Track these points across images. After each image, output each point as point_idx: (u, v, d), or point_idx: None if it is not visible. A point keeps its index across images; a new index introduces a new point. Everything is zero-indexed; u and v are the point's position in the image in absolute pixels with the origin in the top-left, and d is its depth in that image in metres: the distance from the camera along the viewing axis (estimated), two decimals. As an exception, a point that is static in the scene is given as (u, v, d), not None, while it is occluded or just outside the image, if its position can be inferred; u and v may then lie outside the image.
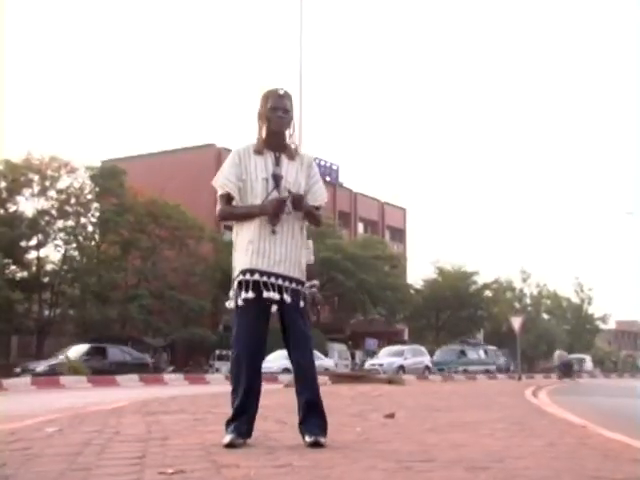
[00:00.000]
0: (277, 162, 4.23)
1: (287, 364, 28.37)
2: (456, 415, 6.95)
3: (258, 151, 4.24)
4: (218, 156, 44.18)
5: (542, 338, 60.88)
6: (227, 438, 3.99)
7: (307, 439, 4.02)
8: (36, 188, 34.24)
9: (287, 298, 4.08)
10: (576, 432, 5.34)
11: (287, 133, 4.30)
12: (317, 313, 33.66)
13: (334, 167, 53.13)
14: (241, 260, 4.15)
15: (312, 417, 4.08)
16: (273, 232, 4.12)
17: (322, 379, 21.52)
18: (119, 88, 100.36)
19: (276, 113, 4.21)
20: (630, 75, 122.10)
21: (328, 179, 52.05)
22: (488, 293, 53.87)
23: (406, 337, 54.19)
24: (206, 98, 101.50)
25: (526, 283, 66.45)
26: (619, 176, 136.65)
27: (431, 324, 53.14)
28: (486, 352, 42.10)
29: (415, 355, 34.39)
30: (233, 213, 4.25)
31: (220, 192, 4.23)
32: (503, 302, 55.57)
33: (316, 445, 3.97)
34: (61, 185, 34.78)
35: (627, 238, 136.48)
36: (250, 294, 4.05)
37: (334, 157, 72.40)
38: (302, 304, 4.16)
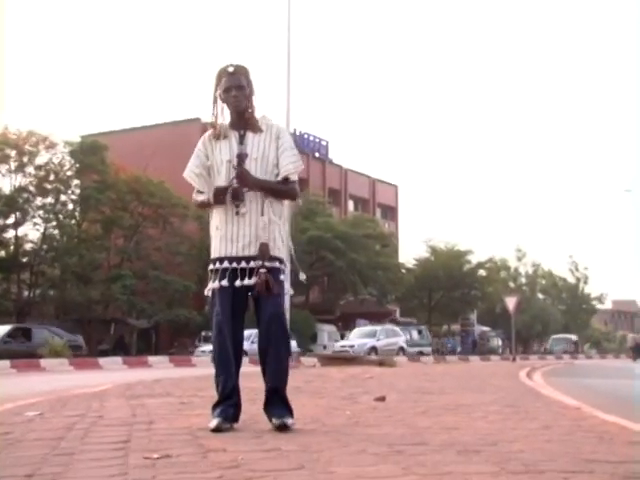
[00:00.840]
0: (241, 140, 4.22)
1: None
2: (448, 398, 7.00)
3: (222, 135, 4.25)
4: (203, 131, 42.63)
5: (537, 318, 61.25)
6: (213, 422, 4.02)
7: (274, 421, 4.04)
8: (13, 164, 34.05)
9: (253, 280, 4.06)
10: (571, 414, 5.39)
11: (249, 107, 4.26)
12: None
13: (323, 143, 52.98)
14: (212, 247, 4.24)
15: (277, 402, 4.11)
16: (237, 214, 4.13)
17: (311, 361, 21.66)
18: (100, 60, 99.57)
19: (230, 93, 4.20)
20: (630, 55, 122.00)
21: (317, 155, 51.93)
22: (482, 272, 54.03)
23: (398, 317, 54.44)
24: (191, 71, 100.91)
25: (521, 262, 66.81)
26: (617, 153, 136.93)
27: (423, 304, 53.29)
28: (420, 332, 41.33)
29: (388, 336, 33.57)
30: (196, 204, 4.42)
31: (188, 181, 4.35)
32: (497, 282, 55.79)
33: (283, 428, 3.98)
34: (40, 161, 34.63)
35: (625, 216, 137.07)
36: (224, 282, 4.10)
37: (323, 132, 72.26)
38: (279, 279, 4.14)
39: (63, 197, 35.74)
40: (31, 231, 35.32)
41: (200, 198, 4.31)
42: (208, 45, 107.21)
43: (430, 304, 52.41)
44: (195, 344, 35.81)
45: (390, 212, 60.39)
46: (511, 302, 32.97)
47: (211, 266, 4.20)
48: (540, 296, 68.83)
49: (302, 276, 4.64)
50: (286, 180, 4.22)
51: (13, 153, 33.80)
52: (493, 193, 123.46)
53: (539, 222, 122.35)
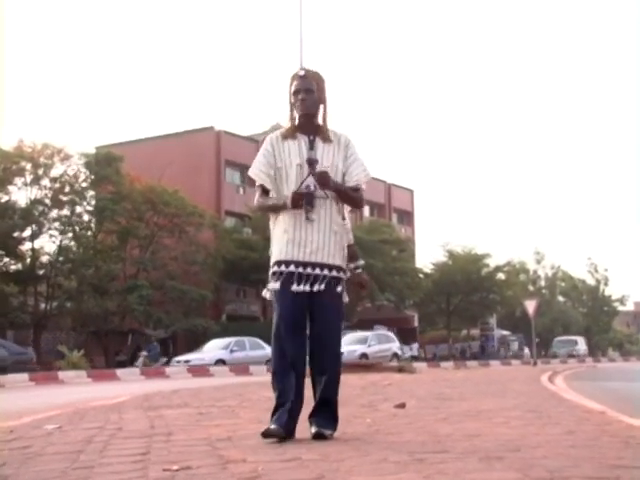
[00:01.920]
0: (311, 146, 4.21)
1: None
2: (469, 403, 6.97)
3: (290, 136, 4.23)
4: (217, 139, 44.13)
5: (558, 321, 60.88)
6: (269, 427, 3.97)
7: (312, 430, 4.05)
8: (29, 177, 34.21)
9: (320, 287, 4.07)
10: (595, 419, 5.34)
11: (319, 113, 4.26)
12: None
13: (358, 150, 52.94)
14: (276, 250, 4.18)
15: (324, 412, 4.11)
16: (307, 219, 4.11)
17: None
18: (114, 72, 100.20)
19: (298, 96, 4.19)
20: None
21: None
22: (501, 276, 53.77)
23: (416, 323, 54.26)
24: (204, 80, 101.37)
25: (540, 265, 66.40)
26: (636, 152, 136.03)
27: (442, 309, 53.10)
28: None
29: (381, 342, 32.50)
30: (263, 207, 4.30)
31: (257, 182, 4.28)
32: (516, 285, 55.47)
33: (319, 437, 3.98)
34: (55, 173, 34.77)
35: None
36: (287, 285, 4.07)
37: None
38: (339, 290, 4.15)
39: (79, 209, 35.88)
40: (47, 243, 35.51)
41: (270, 202, 4.22)
42: (221, 55, 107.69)
43: (449, 309, 52.23)
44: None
45: (406, 217, 60.31)
46: (531, 305, 32.78)
47: (275, 268, 4.14)
48: (560, 299, 68.44)
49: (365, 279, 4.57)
50: (356, 190, 4.25)
51: (28, 166, 33.98)
52: (510, 196, 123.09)
53: (557, 224, 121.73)
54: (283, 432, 3.93)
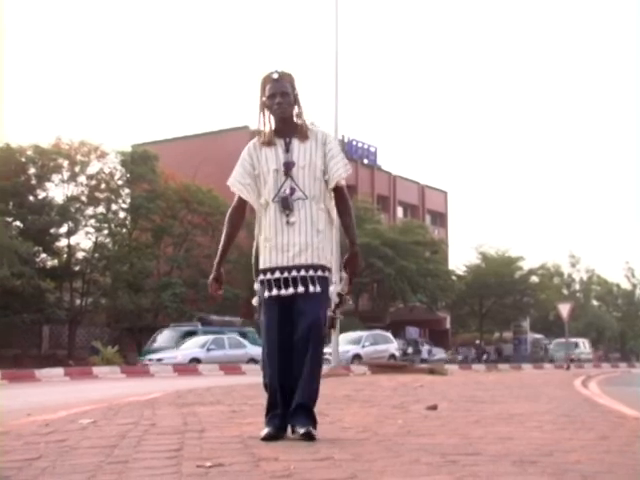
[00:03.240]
0: (287, 148, 4.22)
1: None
2: (501, 407, 6.93)
3: (268, 142, 4.26)
4: (251, 138, 44.01)
5: (592, 326, 60.24)
6: (264, 431, 4.04)
7: (299, 429, 4.01)
8: (66, 174, 34.65)
9: (303, 288, 4.06)
10: (630, 424, 5.29)
11: (294, 114, 4.28)
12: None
13: (372, 149, 52.92)
14: (261, 258, 4.21)
15: (302, 415, 4.07)
16: (288, 223, 4.12)
17: (361, 369, 21.64)
18: (151, 70, 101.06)
19: (274, 100, 4.19)
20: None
21: (366, 161, 51.87)
22: (534, 279, 53.37)
23: (448, 325, 54.02)
24: (239, 79, 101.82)
25: (575, 268, 65.82)
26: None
27: (474, 311, 52.85)
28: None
29: (377, 342, 30.90)
30: (223, 234, 4.44)
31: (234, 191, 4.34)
32: (550, 288, 55.01)
33: (310, 437, 3.96)
34: (91, 170, 35.20)
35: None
36: (273, 292, 4.10)
37: (372, 139, 72.28)
38: (323, 289, 4.12)
39: (114, 206, 36.27)
40: (83, 240, 35.96)
41: (220, 246, 4.37)
42: (255, 51, 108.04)
43: (481, 311, 51.94)
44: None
45: (440, 218, 60.08)
46: (565, 309, 32.36)
47: (261, 276, 4.18)
48: (595, 303, 67.76)
49: (347, 300, 4.39)
50: (336, 186, 4.25)
51: (65, 163, 34.42)
52: (546, 198, 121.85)
53: (593, 227, 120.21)
54: (282, 433, 4.03)
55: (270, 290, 4.11)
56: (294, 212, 4.13)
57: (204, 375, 21.41)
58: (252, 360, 25.07)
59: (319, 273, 4.12)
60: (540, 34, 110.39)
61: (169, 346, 27.35)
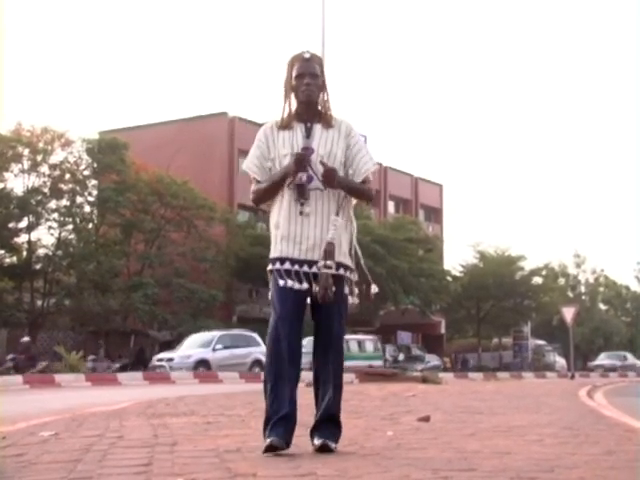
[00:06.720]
0: (308, 134, 4.22)
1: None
2: (499, 418, 6.96)
3: (286, 125, 4.25)
4: (231, 126, 44.18)
5: (598, 331, 60.57)
6: (267, 442, 3.97)
7: (316, 442, 4.06)
8: (26, 163, 34.44)
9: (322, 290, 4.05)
10: (638, 439, 5.32)
11: (320, 99, 4.28)
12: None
13: (361, 138, 52.94)
14: (272, 247, 4.22)
15: (328, 427, 4.13)
16: (301, 213, 4.12)
17: (349, 377, 21.67)
18: (120, 52, 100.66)
19: (303, 80, 4.19)
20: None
21: (354, 151, 51.95)
22: (537, 280, 53.59)
23: (443, 330, 54.15)
24: (218, 62, 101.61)
25: (580, 269, 66.11)
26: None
27: (471, 315, 52.98)
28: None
29: (234, 345, 28.14)
30: (260, 191, 4.28)
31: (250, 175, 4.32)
32: (554, 290, 55.24)
33: (324, 449, 4.00)
34: (54, 160, 34.95)
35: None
36: (284, 282, 4.08)
37: (362, 127, 72.19)
38: (342, 290, 4.15)
39: (79, 199, 36.09)
40: (45, 235, 35.72)
41: (265, 183, 4.21)
42: (236, 36, 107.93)
43: (479, 315, 52.07)
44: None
45: (434, 214, 60.22)
46: (569, 312, 32.49)
47: (270, 266, 4.18)
48: (602, 306, 68.09)
49: (374, 289, 4.42)
50: (363, 182, 4.28)
51: (26, 151, 34.20)
52: (549, 193, 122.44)
53: (600, 224, 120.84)
54: (284, 444, 3.95)
55: (284, 279, 4.09)
56: (310, 202, 4.13)
57: (176, 384, 21.38)
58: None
59: (332, 269, 4.11)
60: (542, 19, 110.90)
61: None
